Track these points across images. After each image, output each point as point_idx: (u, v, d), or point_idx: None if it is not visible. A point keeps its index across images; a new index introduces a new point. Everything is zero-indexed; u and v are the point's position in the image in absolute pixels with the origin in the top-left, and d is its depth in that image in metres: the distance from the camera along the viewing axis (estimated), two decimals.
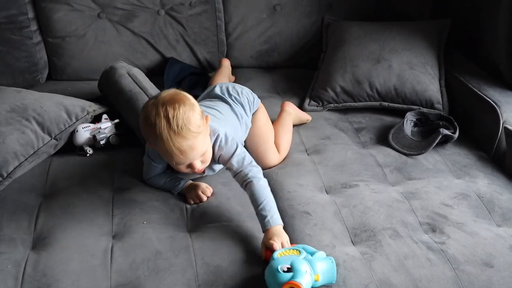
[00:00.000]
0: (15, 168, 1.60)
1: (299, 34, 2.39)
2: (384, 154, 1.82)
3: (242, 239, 1.42)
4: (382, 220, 1.49)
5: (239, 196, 1.57)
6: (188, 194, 1.57)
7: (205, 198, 1.56)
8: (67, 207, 1.50)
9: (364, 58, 2.10)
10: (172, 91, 1.42)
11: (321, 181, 1.68)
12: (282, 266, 1.22)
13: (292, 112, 1.96)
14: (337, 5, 2.40)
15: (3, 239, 1.38)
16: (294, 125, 1.95)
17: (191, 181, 1.59)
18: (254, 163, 1.50)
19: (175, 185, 1.59)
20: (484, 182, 1.68)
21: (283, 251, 1.29)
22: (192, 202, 1.55)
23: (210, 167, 1.58)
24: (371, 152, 1.83)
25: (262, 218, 1.38)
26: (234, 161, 1.49)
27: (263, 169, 1.58)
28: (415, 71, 2.06)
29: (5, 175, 1.58)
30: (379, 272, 1.31)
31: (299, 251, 1.29)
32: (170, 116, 1.33)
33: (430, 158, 1.79)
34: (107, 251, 1.36)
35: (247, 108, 1.74)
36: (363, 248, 1.39)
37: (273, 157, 1.78)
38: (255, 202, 1.41)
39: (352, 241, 1.44)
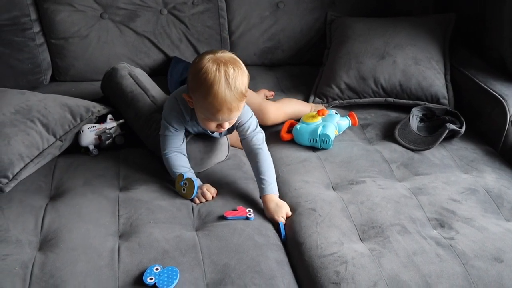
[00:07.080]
0: (20, 170, 1.59)
1: (302, 31, 2.38)
2: (391, 150, 1.81)
3: (249, 236, 1.41)
4: (390, 216, 1.48)
5: (245, 194, 1.57)
6: None
7: (210, 196, 1.55)
8: (73, 208, 1.50)
9: (369, 54, 2.09)
10: (228, 53, 1.49)
11: (327, 177, 1.67)
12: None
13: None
14: (340, 2, 2.38)
15: (10, 241, 1.38)
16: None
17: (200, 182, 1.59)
18: (259, 128, 1.63)
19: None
20: (492, 176, 1.67)
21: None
22: (198, 201, 1.55)
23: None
24: (377, 148, 1.82)
25: (262, 183, 1.53)
26: (247, 126, 1.60)
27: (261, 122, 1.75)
28: (420, 66, 2.04)
29: (10, 176, 1.57)
30: (388, 269, 1.30)
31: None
32: (230, 75, 1.41)
33: (437, 153, 1.78)
34: (114, 251, 1.35)
35: None
36: (371, 245, 1.38)
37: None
38: (259, 169, 1.55)
39: (360, 237, 1.43)
